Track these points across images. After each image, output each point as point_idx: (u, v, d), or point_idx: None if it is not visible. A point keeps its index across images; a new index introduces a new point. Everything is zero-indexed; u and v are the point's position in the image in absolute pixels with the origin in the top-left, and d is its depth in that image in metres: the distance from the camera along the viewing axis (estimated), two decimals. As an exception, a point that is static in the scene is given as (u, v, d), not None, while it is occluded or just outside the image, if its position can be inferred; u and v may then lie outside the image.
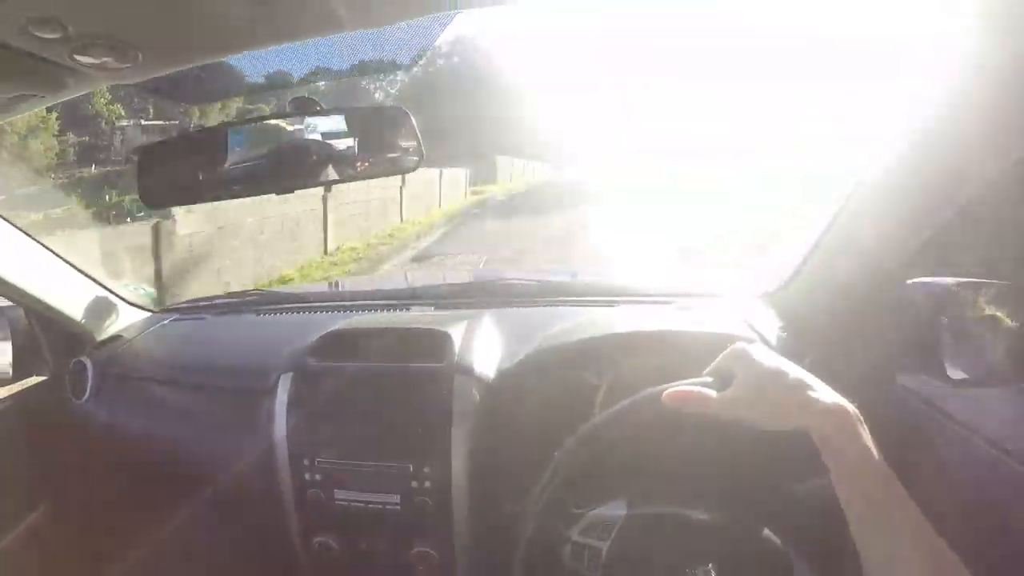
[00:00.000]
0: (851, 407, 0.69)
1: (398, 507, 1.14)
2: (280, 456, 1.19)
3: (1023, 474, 1.00)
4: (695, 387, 0.75)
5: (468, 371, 1.19)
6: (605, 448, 0.92)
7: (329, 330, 1.33)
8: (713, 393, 0.74)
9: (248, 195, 1.07)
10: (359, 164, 1.05)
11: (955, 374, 1.09)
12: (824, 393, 0.70)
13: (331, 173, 1.05)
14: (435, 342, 1.25)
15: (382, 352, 1.28)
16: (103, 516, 1.55)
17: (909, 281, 1.13)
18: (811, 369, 1.12)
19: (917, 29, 0.91)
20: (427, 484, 1.13)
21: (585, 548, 0.96)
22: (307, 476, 1.17)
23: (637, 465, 1.07)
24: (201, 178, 1.05)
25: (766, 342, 1.25)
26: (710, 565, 0.95)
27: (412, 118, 1.04)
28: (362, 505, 1.16)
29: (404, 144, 1.05)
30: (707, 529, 1.02)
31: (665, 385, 0.77)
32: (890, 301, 1.16)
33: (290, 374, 1.24)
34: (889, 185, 1.05)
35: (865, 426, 0.68)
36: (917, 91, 0.94)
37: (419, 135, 1.04)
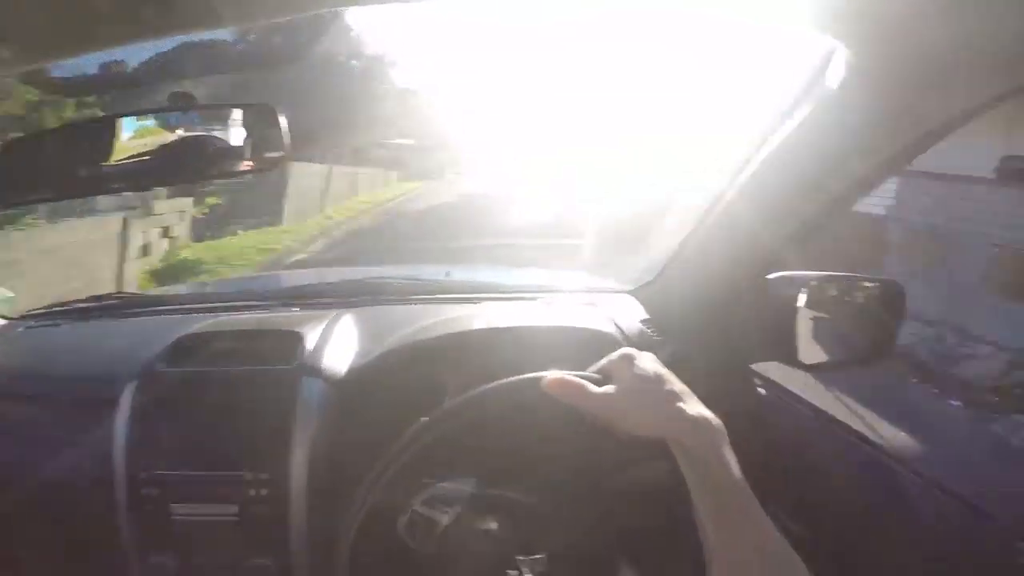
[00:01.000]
0: (716, 420, 0.73)
1: (236, 518, 1.10)
2: (118, 470, 1.13)
3: (865, 451, 1.10)
4: (577, 378, 0.78)
5: (315, 372, 1.18)
6: (469, 423, 0.92)
7: (180, 334, 1.29)
8: (593, 387, 0.77)
9: (119, 191, 1.08)
10: (227, 161, 1.07)
11: (808, 359, 1.18)
12: (693, 405, 0.75)
13: (204, 170, 1.09)
14: (284, 343, 1.23)
15: (232, 355, 1.25)
16: None
17: (771, 275, 1.20)
18: (671, 360, 1.20)
19: (784, 32, 0.95)
20: (263, 492, 1.10)
21: (422, 519, 0.97)
22: (144, 491, 1.11)
23: (494, 448, 1.09)
24: (71, 173, 1.02)
25: (628, 337, 1.28)
26: (543, 555, 0.99)
27: (280, 114, 1.05)
28: (200, 519, 1.11)
29: (270, 140, 1.07)
30: (546, 520, 1.06)
31: (549, 372, 0.79)
32: (751, 294, 1.21)
33: (136, 382, 1.19)
34: (754, 184, 1.11)
35: (727, 439, 0.72)
36: (782, 91, 1.00)
37: (285, 131, 1.06)
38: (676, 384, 0.78)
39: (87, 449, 1.18)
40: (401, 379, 1.19)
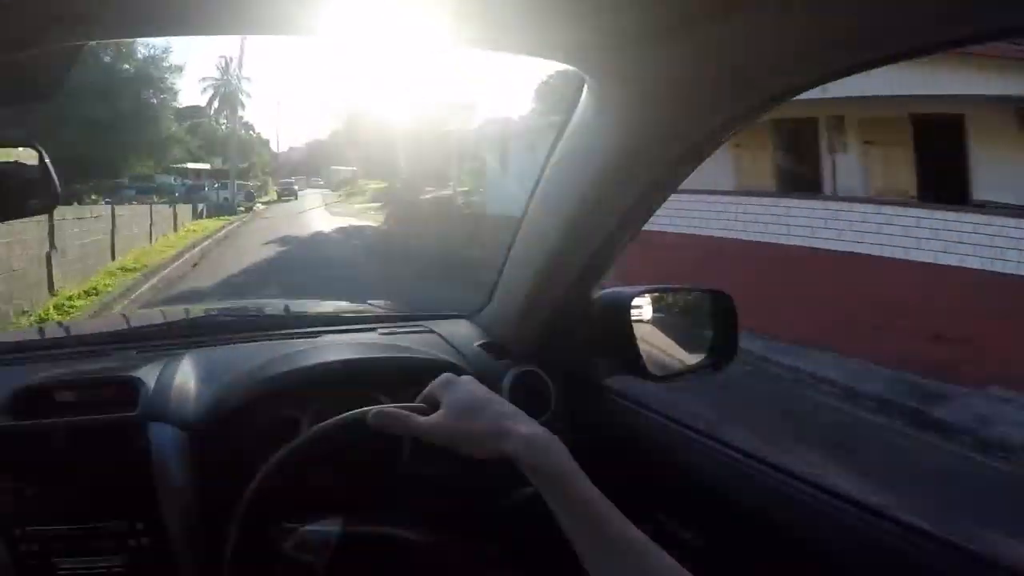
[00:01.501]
0: (549, 435, 0.75)
1: (123, 569, 1.07)
2: None
3: (723, 451, 1.12)
4: (400, 409, 0.81)
5: (160, 416, 1.14)
6: (310, 465, 0.98)
7: (17, 386, 1.20)
8: (418, 417, 0.79)
9: None
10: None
11: (657, 371, 1.22)
12: (522, 423, 0.76)
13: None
14: (126, 389, 1.18)
15: (76, 405, 1.18)
16: None
17: (601, 291, 1.26)
18: (517, 381, 1.24)
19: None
20: (144, 540, 1.07)
21: (299, 565, 0.97)
22: (22, 548, 1.06)
23: (350, 484, 1.13)
24: None
25: (468, 361, 1.30)
26: None
27: (44, 153, 1.01)
28: (87, 571, 1.07)
29: (36, 182, 1.02)
30: (421, 550, 1.07)
31: (373, 407, 0.82)
32: (579, 312, 1.26)
33: None
34: (555, 206, 1.15)
35: (566, 451, 0.74)
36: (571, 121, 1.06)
37: (52, 171, 1.00)
38: (504, 405, 0.80)
39: None
40: (249, 417, 1.18)
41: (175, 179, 31.88)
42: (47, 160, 1.00)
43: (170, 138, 28.79)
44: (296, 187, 44.95)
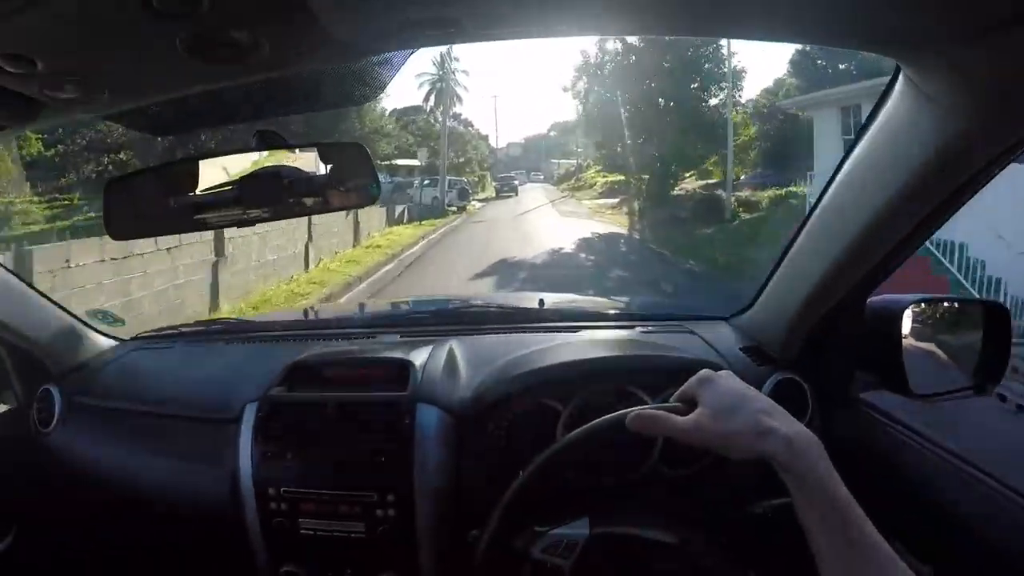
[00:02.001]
0: (810, 435, 0.72)
1: (363, 535, 1.16)
2: (245, 486, 1.22)
3: (985, 483, 1.04)
4: (659, 411, 0.80)
5: (430, 398, 1.23)
6: (568, 469, 1.00)
7: (293, 360, 1.36)
8: (677, 417, 0.78)
9: (215, 227, 1.12)
10: (321, 197, 1.12)
11: (919, 388, 1.14)
12: (784, 422, 0.74)
13: (295, 207, 1.13)
14: (397, 370, 1.29)
15: (345, 381, 1.31)
16: (69, 546, 1.57)
17: (869, 300, 1.19)
18: (776, 388, 1.23)
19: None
20: (391, 512, 1.15)
21: (547, 566, 1.01)
22: (272, 506, 1.20)
23: (601, 486, 1.14)
24: (168, 210, 1.10)
25: (729, 364, 1.28)
26: None
27: (368, 152, 1.12)
28: (327, 534, 1.18)
29: (361, 178, 1.12)
30: (667, 549, 1.07)
31: (631, 408, 0.81)
32: (850, 320, 1.20)
33: (255, 404, 1.28)
34: (850, 207, 1.10)
35: (824, 453, 0.71)
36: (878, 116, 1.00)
37: (375, 169, 1.12)
38: (762, 401, 0.77)
39: (216, 465, 1.28)
40: (509, 407, 1.23)
41: (386, 176, 27.15)
42: (369, 156, 1.12)
43: (376, 131, 26.37)
44: (516, 182, 41.84)
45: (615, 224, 20.61)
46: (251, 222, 1.10)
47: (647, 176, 21.49)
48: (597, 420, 0.85)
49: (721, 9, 0.73)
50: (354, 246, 14.80)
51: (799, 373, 1.28)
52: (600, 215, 23.78)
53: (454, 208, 26.53)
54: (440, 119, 36.23)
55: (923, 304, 1.21)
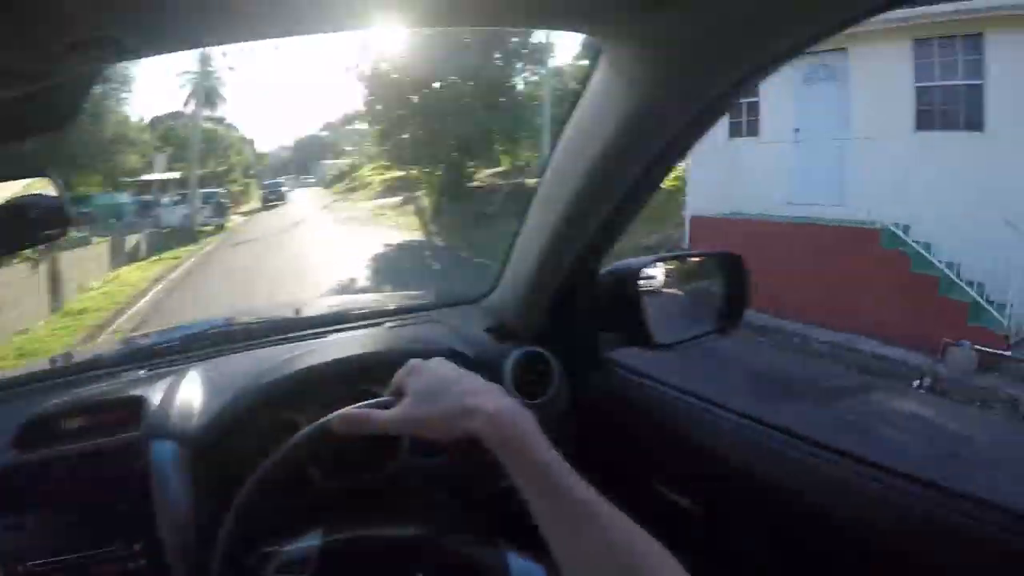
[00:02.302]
0: (516, 406, 0.74)
1: None
2: None
3: (728, 418, 1.15)
4: (361, 409, 0.80)
5: (164, 433, 1.16)
6: (284, 485, 0.95)
7: (25, 418, 1.22)
8: (380, 412, 0.78)
9: None
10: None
11: (664, 339, 1.24)
12: (490, 398, 0.75)
13: None
14: (128, 410, 1.20)
15: (83, 431, 1.19)
16: None
17: (602, 270, 1.28)
18: (520, 362, 1.27)
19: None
20: (142, 561, 1.07)
21: None
22: None
23: (329, 493, 1.13)
24: None
25: (475, 346, 1.33)
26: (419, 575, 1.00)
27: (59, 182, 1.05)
28: None
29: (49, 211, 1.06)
30: (408, 543, 1.07)
31: (337, 412, 0.81)
32: (586, 288, 1.28)
33: None
34: (563, 180, 1.15)
35: (532, 422, 0.72)
36: (584, 92, 1.05)
37: (66, 198, 1.05)
38: (469, 382, 0.79)
39: None
40: (251, 426, 1.19)
41: (130, 196, 24.57)
42: (62, 188, 1.03)
43: (119, 140, 23.17)
44: (284, 188, 39.52)
45: (406, 229, 18.70)
46: None
47: (440, 168, 20.07)
48: (299, 432, 0.86)
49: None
50: (52, 313, 11.01)
51: (543, 344, 1.33)
52: (384, 217, 21.83)
53: (210, 227, 22.77)
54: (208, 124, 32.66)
55: (664, 263, 1.33)
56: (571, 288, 1.28)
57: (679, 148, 1.03)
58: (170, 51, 0.76)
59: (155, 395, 1.22)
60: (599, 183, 1.09)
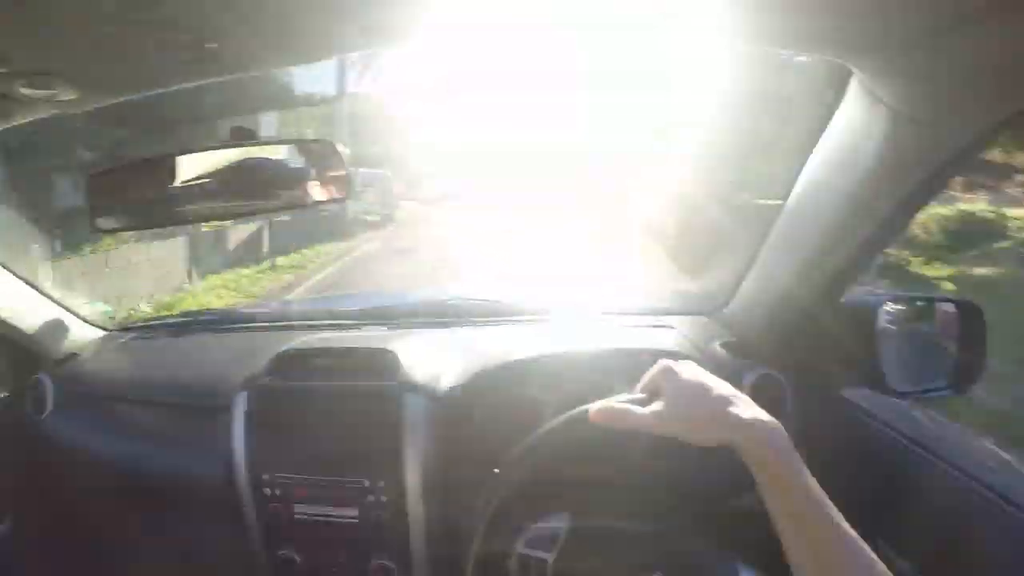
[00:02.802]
0: (773, 423, 0.73)
1: (356, 521, 1.21)
2: (240, 473, 1.26)
3: (963, 481, 1.05)
4: (621, 404, 0.80)
5: (416, 388, 1.26)
6: (542, 464, 0.97)
7: (282, 349, 1.39)
8: (639, 409, 0.78)
9: (196, 221, 1.12)
10: (295, 193, 1.14)
11: (898, 385, 1.16)
12: (746, 408, 0.75)
13: (272, 202, 1.15)
14: (383, 361, 1.32)
15: (333, 371, 1.34)
16: (65, 532, 1.60)
17: (846, 296, 1.21)
18: (755, 383, 1.24)
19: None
20: (383, 498, 1.20)
21: (531, 560, 1.01)
22: (267, 491, 1.25)
23: (578, 479, 1.15)
24: (151, 204, 1.13)
25: (709, 359, 1.32)
26: (656, 574, 0.99)
27: (340, 150, 1.13)
28: (322, 519, 1.23)
29: (333, 175, 1.14)
30: (649, 539, 1.09)
31: (594, 403, 0.82)
32: (828, 316, 1.22)
33: (245, 392, 1.31)
34: (814, 204, 1.13)
35: (789, 442, 0.72)
36: (834, 117, 1.03)
37: (347, 166, 1.14)
38: (724, 388, 0.78)
39: (209, 452, 1.33)
40: (495, 397, 1.29)
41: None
42: (342, 154, 1.14)
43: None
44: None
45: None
46: (231, 216, 1.11)
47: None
48: (559, 418, 0.88)
49: (669, 10, 0.75)
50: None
51: (777, 368, 1.30)
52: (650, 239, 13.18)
53: (373, 216, 17.10)
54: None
55: (898, 301, 1.24)
56: (810, 315, 1.24)
57: (931, 186, 0.99)
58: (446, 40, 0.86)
59: (405, 350, 1.32)
60: (852, 214, 1.05)
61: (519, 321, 1.58)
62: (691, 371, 0.81)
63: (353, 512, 1.21)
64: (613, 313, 1.64)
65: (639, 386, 0.84)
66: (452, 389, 1.29)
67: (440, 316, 1.63)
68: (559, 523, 1.06)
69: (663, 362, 0.83)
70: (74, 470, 1.55)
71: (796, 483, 0.69)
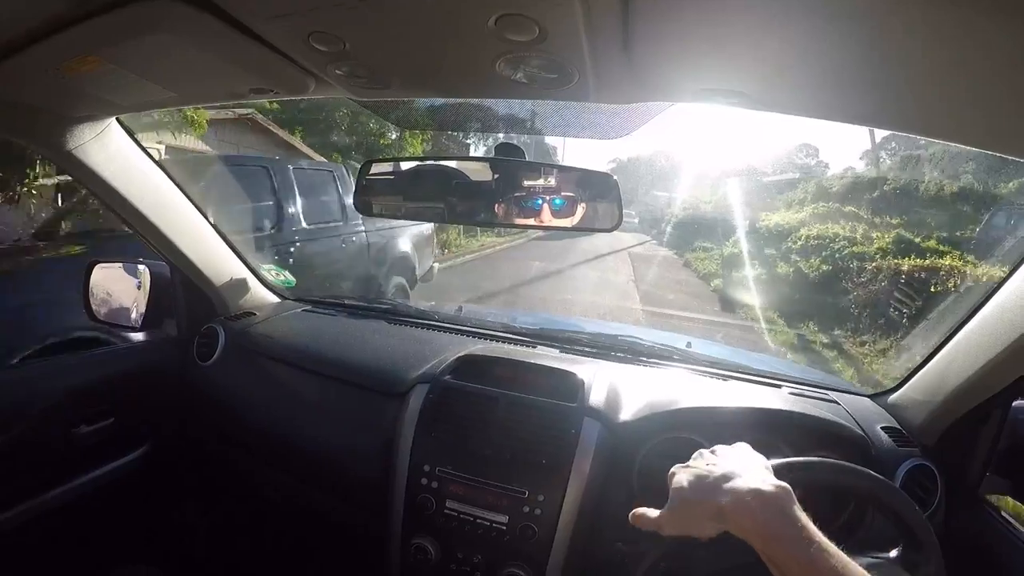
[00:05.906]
0: (771, 489, 0.74)
1: (504, 527, 1.25)
2: (400, 458, 1.32)
3: None
4: (642, 509, 0.86)
5: (595, 415, 1.31)
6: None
7: (465, 352, 1.48)
8: (653, 513, 0.84)
9: (449, 222, 1.13)
10: (559, 217, 1.14)
11: None
12: (742, 480, 0.77)
13: (529, 219, 1.15)
14: (563, 382, 1.39)
15: (512, 382, 1.40)
16: (198, 471, 1.73)
17: (1016, 402, 1.23)
18: (911, 473, 1.27)
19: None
20: (538, 511, 1.24)
21: None
22: (423, 481, 1.30)
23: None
24: (405, 198, 1.23)
25: (869, 439, 1.32)
26: None
27: (618, 184, 1.12)
28: (468, 518, 1.27)
29: (605, 207, 1.14)
30: None
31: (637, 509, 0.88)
32: (993, 419, 1.24)
33: (426, 385, 1.40)
34: (1012, 317, 1.10)
35: (784, 504, 0.72)
36: None
37: (621, 201, 1.11)
38: (722, 467, 0.81)
39: (369, 431, 1.42)
40: (661, 438, 1.33)
41: None
42: (619, 189, 1.12)
43: None
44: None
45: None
46: (483, 224, 1.25)
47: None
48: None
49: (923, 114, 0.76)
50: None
51: (934, 462, 1.29)
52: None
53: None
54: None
55: None
56: (978, 415, 1.23)
57: None
58: (784, 112, 0.83)
59: (585, 377, 1.41)
60: None
61: (684, 369, 1.62)
62: (690, 470, 0.84)
63: (503, 518, 1.25)
64: (781, 376, 1.63)
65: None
66: (626, 424, 1.33)
67: (608, 349, 1.69)
68: None
69: (673, 468, 0.88)
70: (222, 418, 1.67)
71: (792, 550, 0.68)
